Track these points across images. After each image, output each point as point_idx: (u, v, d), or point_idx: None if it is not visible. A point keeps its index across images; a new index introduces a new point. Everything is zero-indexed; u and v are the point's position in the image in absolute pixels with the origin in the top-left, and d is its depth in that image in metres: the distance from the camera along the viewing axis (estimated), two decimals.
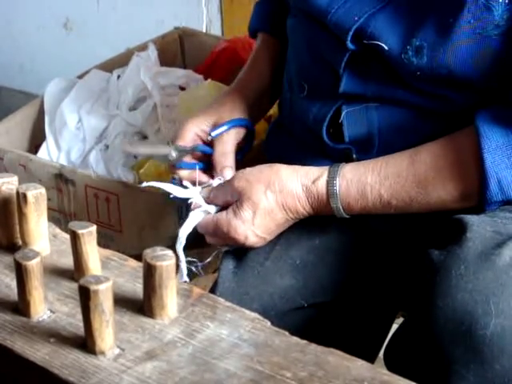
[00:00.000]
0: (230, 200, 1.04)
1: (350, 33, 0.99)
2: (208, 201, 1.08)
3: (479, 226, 0.91)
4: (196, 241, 1.09)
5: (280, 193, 1.01)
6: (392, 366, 0.97)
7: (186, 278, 1.08)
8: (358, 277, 1.11)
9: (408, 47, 0.96)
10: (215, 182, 1.10)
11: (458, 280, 0.86)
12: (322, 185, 1.00)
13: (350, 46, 1.00)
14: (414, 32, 0.95)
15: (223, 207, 1.07)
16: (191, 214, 1.07)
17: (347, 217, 1.02)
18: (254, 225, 1.02)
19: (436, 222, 1.00)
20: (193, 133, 1.16)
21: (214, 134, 1.15)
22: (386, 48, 0.97)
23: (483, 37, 0.92)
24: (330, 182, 1.00)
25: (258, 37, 1.29)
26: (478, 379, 0.84)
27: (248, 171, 1.04)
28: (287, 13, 1.20)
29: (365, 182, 0.98)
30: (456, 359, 0.85)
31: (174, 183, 1.13)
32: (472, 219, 0.92)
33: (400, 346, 0.96)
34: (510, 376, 0.84)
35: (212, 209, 1.07)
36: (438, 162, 0.95)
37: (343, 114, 1.04)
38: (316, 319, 1.11)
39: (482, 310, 0.83)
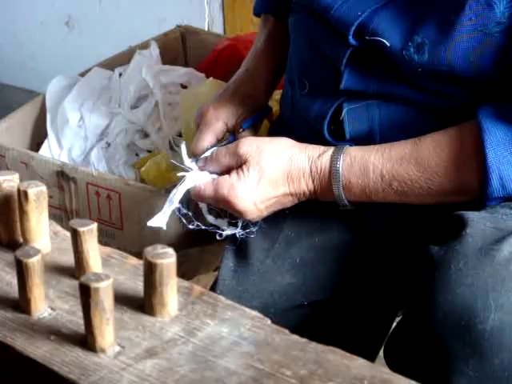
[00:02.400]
0: (232, 164, 1.03)
1: (353, 27, 0.99)
2: (207, 165, 1.06)
3: (479, 222, 0.91)
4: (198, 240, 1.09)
5: (288, 162, 1.01)
6: (392, 360, 0.97)
7: (162, 224, 1.06)
8: (357, 275, 1.11)
9: (409, 44, 0.96)
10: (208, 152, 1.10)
11: (458, 275, 0.86)
12: (326, 159, 1.01)
13: (351, 41, 1.00)
14: (416, 29, 0.95)
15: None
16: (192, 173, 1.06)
17: (346, 203, 1.01)
18: (256, 191, 1.01)
19: (436, 218, 1.00)
20: (225, 126, 1.17)
21: (244, 126, 1.18)
22: (387, 44, 0.97)
23: (484, 34, 0.92)
24: (334, 157, 1.00)
25: (263, 19, 1.30)
26: (478, 374, 0.84)
27: (257, 138, 1.04)
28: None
29: (368, 160, 0.99)
30: (455, 354, 0.85)
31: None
32: (472, 215, 0.92)
33: (400, 341, 0.96)
34: (510, 370, 0.84)
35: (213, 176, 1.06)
36: (442, 150, 0.95)
37: (344, 111, 1.04)
38: (316, 317, 1.11)
39: (482, 305, 0.83)
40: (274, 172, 1.00)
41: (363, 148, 1.00)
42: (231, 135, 1.17)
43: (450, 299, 0.85)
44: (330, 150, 1.01)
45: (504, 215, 0.94)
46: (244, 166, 1.01)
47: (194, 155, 1.14)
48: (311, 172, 1.01)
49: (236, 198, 1.01)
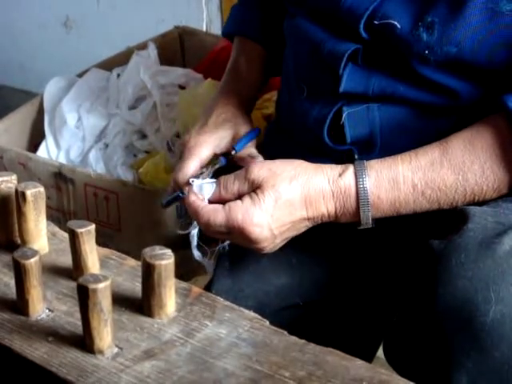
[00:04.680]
0: (242, 191, 0.96)
1: (368, 12, 0.97)
2: (215, 195, 0.98)
3: (480, 217, 0.90)
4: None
5: (305, 185, 0.95)
6: (391, 355, 0.97)
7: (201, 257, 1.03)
8: (354, 275, 1.11)
9: (420, 24, 0.94)
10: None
11: (459, 268, 0.85)
12: (349, 177, 0.94)
13: (362, 32, 0.98)
14: (427, 9, 0.94)
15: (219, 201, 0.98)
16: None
17: (370, 222, 0.96)
18: (272, 216, 0.94)
19: (437, 214, 0.99)
20: (211, 152, 1.09)
21: (238, 148, 1.08)
22: (398, 26, 0.95)
23: (495, 12, 0.91)
24: (358, 174, 0.94)
25: (237, 41, 1.25)
26: (478, 367, 0.84)
27: (269, 162, 0.98)
28: (274, 16, 1.19)
29: (396, 171, 0.94)
30: (456, 347, 0.85)
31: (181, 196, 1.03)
32: (473, 210, 0.92)
33: (400, 335, 0.96)
34: (510, 363, 0.84)
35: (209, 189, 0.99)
36: (474, 146, 0.92)
37: (344, 115, 1.03)
38: (312, 317, 1.11)
39: (482, 298, 0.83)
40: (292, 196, 0.94)
41: (385, 160, 0.95)
42: (223, 158, 1.08)
43: (451, 292, 0.85)
44: (350, 167, 0.96)
45: (506, 209, 0.92)
46: (258, 191, 0.94)
47: (177, 184, 1.05)
48: (333, 193, 0.95)
49: (251, 224, 0.93)
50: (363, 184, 0.94)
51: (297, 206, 0.95)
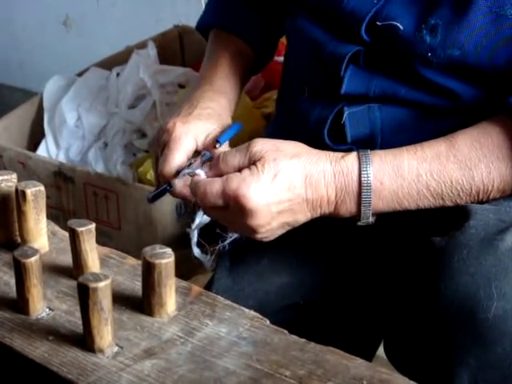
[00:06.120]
0: (243, 164, 0.93)
1: (370, 14, 0.96)
2: (212, 168, 0.96)
3: (482, 214, 0.90)
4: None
5: (307, 163, 0.92)
6: (392, 350, 0.97)
7: (197, 253, 1.03)
8: (354, 274, 1.11)
9: (423, 26, 0.93)
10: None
11: (461, 264, 0.85)
12: (352, 160, 0.92)
13: (363, 34, 0.98)
14: (430, 12, 0.93)
15: None
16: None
17: (368, 216, 0.94)
18: (270, 189, 0.90)
19: (439, 211, 0.98)
20: (195, 143, 1.05)
21: (222, 140, 1.05)
22: (400, 28, 0.94)
23: (499, 16, 0.91)
24: (361, 158, 0.92)
25: (215, 34, 1.22)
26: (480, 363, 0.84)
27: (270, 139, 0.95)
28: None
29: (401, 159, 0.92)
30: (458, 343, 0.85)
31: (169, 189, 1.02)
32: (475, 207, 0.91)
33: (401, 331, 0.96)
34: (511, 359, 0.84)
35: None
36: (482, 145, 0.91)
37: (345, 115, 1.03)
38: (312, 316, 1.11)
39: (484, 294, 0.83)
40: (292, 172, 0.92)
41: (390, 150, 0.94)
42: (207, 152, 1.04)
43: (453, 288, 0.85)
44: (353, 152, 0.93)
45: (508, 207, 0.92)
46: (258, 163, 0.91)
47: (164, 177, 1.02)
48: (334, 174, 0.92)
49: (247, 193, 0.89)
50: (366, 167, 0.91)
51: (296, 183, 0.92)
